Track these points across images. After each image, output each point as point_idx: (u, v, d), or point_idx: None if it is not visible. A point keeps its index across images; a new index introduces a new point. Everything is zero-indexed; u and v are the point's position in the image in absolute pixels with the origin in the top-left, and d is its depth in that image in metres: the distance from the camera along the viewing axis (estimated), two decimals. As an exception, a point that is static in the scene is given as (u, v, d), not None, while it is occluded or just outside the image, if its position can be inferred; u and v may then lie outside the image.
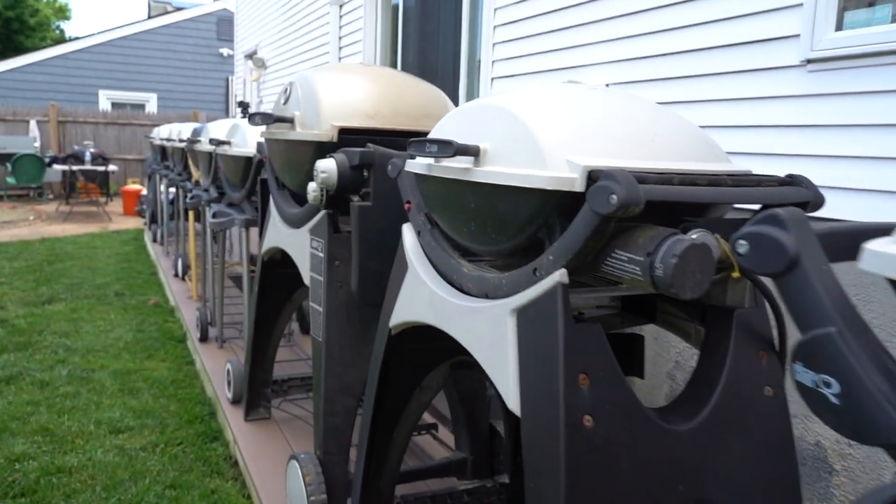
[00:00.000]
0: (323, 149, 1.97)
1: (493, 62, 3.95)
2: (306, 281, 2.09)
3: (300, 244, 2.16)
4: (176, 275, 5.71)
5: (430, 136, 1.39)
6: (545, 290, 1.10)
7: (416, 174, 1.50)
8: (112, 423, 3.17)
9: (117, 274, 6.59)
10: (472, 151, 1.23)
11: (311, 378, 2.92)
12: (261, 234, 2.72)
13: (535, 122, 1.16)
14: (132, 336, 4.58)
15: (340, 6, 6.29)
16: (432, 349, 1.80)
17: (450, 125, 1.39)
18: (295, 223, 2.20)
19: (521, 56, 3.71)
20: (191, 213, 5.21)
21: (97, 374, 3.83)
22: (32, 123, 13.13)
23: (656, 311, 1.49)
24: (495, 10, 3.90)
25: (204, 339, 3.93)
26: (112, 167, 11.92)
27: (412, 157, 1.61)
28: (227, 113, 17.25)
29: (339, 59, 6.41)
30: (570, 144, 1.13)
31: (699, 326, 1.38)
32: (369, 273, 1.84)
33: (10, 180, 11.65)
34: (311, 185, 1.91)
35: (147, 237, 8.22)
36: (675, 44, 2.70)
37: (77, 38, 16.78)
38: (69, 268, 6.82)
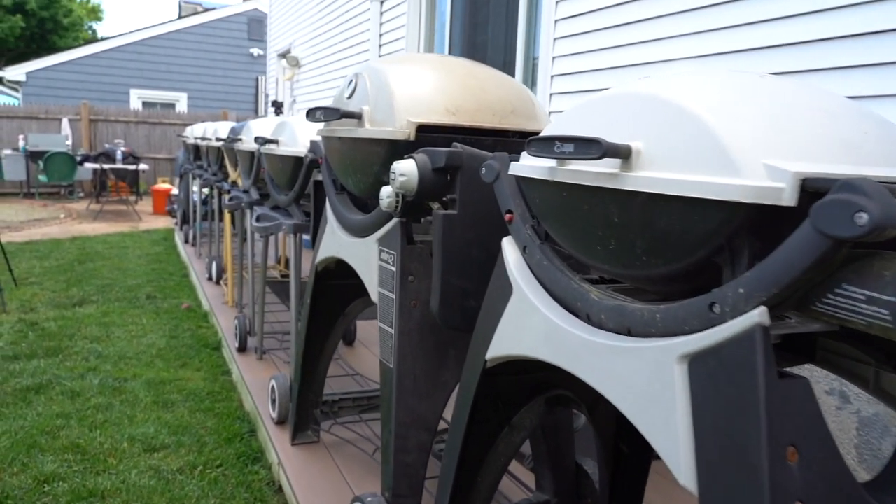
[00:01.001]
0: (397, 148, 1.73)
1: (553, 59, 3.69)
2: (373, 297, 1.85)
3: (365, 255, 1.92)
4: (210, 278, 5.52)
5: (550, 134, 1.14)
6: (735, 335, 0.84)
7: (526, 179, 1.25)
8: (146, 440, 2.96)
9: (148, 276, 6.42)
10: (624, 153, 0.98)
11: (364, 399, 2.69)
12: (313, 242, 2.49)
13: (713, 115, 0.91)
14: (165, 342, 4.39)
15: (381, 2, 6.08)
16: (526, 381, 1.55)
17: (577, 120, 1.14)
18: (359, 231, 1.97)
19: (586, 52, 3.45)
20: (227, 215, 5.02)
21: (130, 384, 3.63)
22: (64, 122, 13.12)
23: (815, 347, 1.22)
24: (557, 2, 3.64)
25: (242, 349, 3.71)
26: (143, 166, 11.85)
27: (514, 159, 1.36)
28: (256, 113, 17.20)
29: (380, 57, 6.19)
30: (763, 144, 0.88)
31: (881, 370, 1.11)
32: (452, 291, 1.59)
33: (42, 178, 11.62)
34: (385, 190, 1.67)
35: (178, 238, 8.07)
36: (779, 35, 2.43)
37: (109, 38, 16.80)
38: (100, 268, 6.67)
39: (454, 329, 1.64)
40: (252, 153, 3.55)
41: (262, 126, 3.58)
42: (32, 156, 11.95)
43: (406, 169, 1.58)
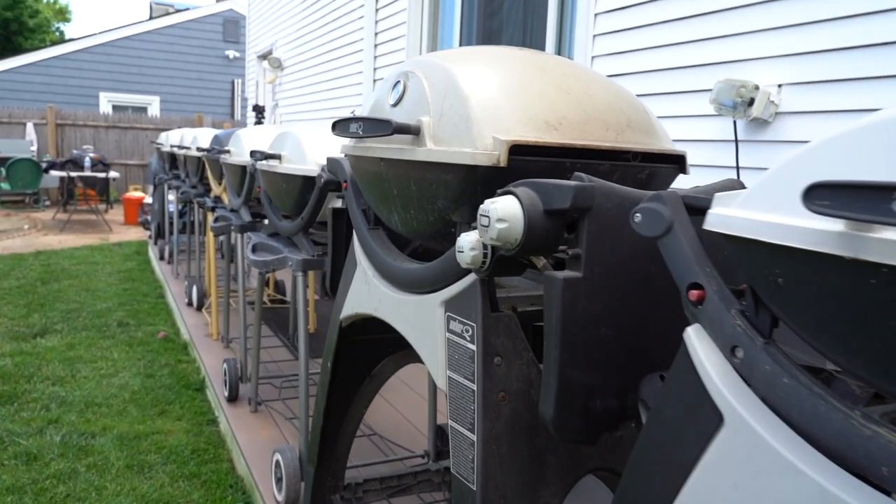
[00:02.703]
0: (475, 176, 1.22)
1: (592, 58, 3.20)
2: (440, 383, 1.34)
3: (421, 320, 1.41)
4: (190, 304, 4.95)
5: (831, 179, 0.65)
6: None
7: (759, 244, 0.75)
8: (119, 524, 2.41)
9: (120, 297, 5.83)
10: None
11: (394, 478, 2.17)
12: (331, 288, 1.98)
13: None
14: (140, 383, 3.82)
15: (378, -2, 5.56)
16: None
17: (878, 150, 0.65)
18: (410, 286, 1.45)
19: (635, 50, 2.97)
20: (209, 233, 4.46)
21: (98, 441, 3.07)
22: (29, 126, 12.38)
23: None
24: (597, -7, 3.16)
25: (233, 398, 3.16)
26: (113, 174, 11.19)
27: (706, 204, 0.87)
28: (232, 117, 16.57)
29: (375, 57, 5.68)
30: None
31: None
32: (573, 390, 1.09)
33: (5, 186, 10.88)
34: (468, 240, 1.16)
35: (152, 253, 7.46)
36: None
37: (77, 39, 16.04)
38: (66, 289, 6.06)
39: (574, 442, 1.14)
40: (243, 168, 3.02)
41: (254, 136, 3.05)
42: (-6, 163, 11.21)
43: (507, 212, 1.07)
